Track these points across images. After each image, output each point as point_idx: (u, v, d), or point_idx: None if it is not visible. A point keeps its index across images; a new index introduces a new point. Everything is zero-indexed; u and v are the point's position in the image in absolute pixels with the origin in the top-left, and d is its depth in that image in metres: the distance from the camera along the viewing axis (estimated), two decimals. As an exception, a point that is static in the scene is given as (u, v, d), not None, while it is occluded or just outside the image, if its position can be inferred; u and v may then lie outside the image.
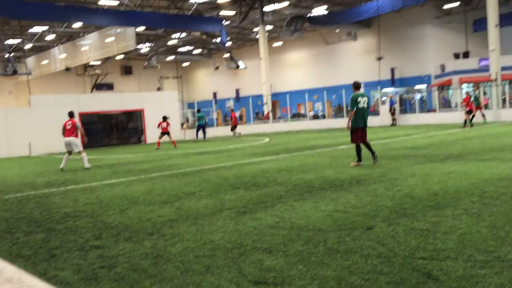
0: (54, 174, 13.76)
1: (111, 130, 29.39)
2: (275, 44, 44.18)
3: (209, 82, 53.22)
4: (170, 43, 42.09)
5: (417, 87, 37.05)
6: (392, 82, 38.30)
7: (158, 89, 52.98)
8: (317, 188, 8.03)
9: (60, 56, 38.09)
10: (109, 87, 49.70)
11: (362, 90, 11.37)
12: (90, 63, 43.56)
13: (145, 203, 7.74)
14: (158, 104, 29.94)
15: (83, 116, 26.64)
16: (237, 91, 49.25)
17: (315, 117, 39.37)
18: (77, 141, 14.48)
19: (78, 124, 14.64)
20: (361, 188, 7.75)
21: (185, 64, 53.99)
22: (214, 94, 51.20)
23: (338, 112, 38.42)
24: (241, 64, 42.31)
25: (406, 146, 14.73)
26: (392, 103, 30.98)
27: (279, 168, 11.37)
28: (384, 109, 32.06)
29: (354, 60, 40.67)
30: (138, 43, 37.44)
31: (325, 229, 5.25)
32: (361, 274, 3.80)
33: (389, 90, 37.17)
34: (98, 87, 48.03)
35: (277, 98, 43.58)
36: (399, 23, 37.34)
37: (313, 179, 9.09)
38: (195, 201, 7.56)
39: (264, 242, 4.92)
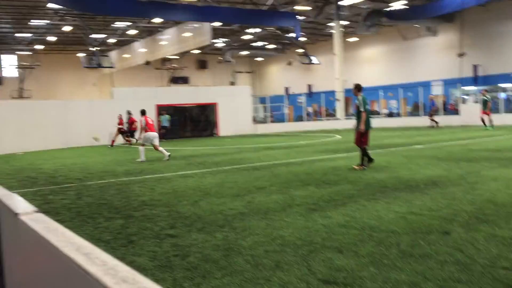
0: (132, 163, 14.45)
1: (185, 123, 30.32)
2: (350, 40, 43.32)
3: (281, 77, 53.31)
4: (244, 38, 42.59)
5: (503, 85, 34.79)
6: (475, 80, 36.25)
7: (231, 83, 53.85)
8: (390, 189, 7.80)
9: (140, 50, 39.83)
10: (185, 80, 51.25)
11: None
12: (168, 57, 45.12)
13: (217, 195, 7.91)
14: (231, 98, 30.47)
15: (160, 108, 27.67)
16: (309, 86, 48.92)
17: (389, 115, 38.20)
18: (157, 136, 15.06)
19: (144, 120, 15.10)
20: (438, 190, 7.43)
21: (259, 59, 54.42)
22: (286, 89, 51.21)
23: (414, 111, 37.02)
24: (314, 59, 41.94)
25: (488, 148, 13.91)
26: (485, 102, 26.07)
27: (350, 166, 11.18)
28: (466, 108, 30.41)
29: (433, 57, 38.95)
30: (213, 38, 38.23)
31: (399, 231, 5.09)
32: (437, 280, 3.64)
33: (471, 88, 35.21)
34: (175, 80, 49.70)
35: (350, 95, 42.80)
36: (485, 18, 35.20)
37: (386, 179, 8.84)
38: (266, 196, 7.62)
39: (334, 240, 4.86)
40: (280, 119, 41.68)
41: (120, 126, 22.68)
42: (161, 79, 50.78)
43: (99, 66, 31.52)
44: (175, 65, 48.12)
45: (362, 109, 10.27)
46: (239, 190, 8.31)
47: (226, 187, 8.72)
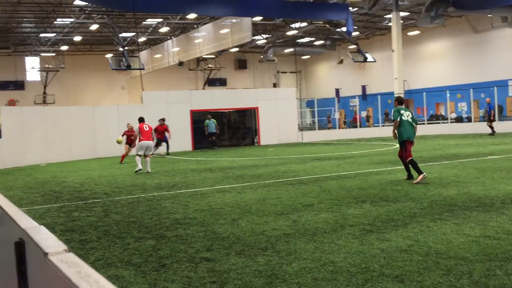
0: (164, 175, 14.71)
1: (222, 130, 30.66)
2: (411, 33, 42.64)
3: (331, 78, 53.05)
4: (289, 33, 42.69)
5: None
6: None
7: (274, 85, 54.03)
8: (460, 207, 7.60)
9: (173, 49, 40.64)
10: (222, 82, 51.85)
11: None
12: (203, 57, 45.82)
13: (259, 213, 7.94)
14: (274, 102, 30.56)
15: (194, 114, 28.09)
16: (364, 88, 48.42)
17: (458, 119, 37.24)
18: (153, 145, 16.51)
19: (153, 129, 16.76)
20: (517, 210, 7.17)
21: (305, 57, 54.37)
22: (337, 91, 50.88)
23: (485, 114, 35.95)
24: (369, 57, 41.47)
25: None
26: None
27: (411, 180, 10.98)
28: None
29: (510, 51, 37.76)
30: (254, 35, 38.55)
31: (470, 258, 4.94)
32: (517, 319, 3.51)
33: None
34: (211, 82, 50.38)
35: (411, 97, 42.03)
36: None
37: (455, 196, 8.62)
38: (314, 214, 7.58)
39: (394, 268, 4.77)
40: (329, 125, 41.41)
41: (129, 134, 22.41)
42: (196, 81, 51.58)
43: (128, 67, 32.34)
44: (211, 66, 48.79)
45: (392, 117, 11.57)
46: (283, 208, 8.31)
47: (268, 204, 8.73)
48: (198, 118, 28.48)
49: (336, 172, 13.51)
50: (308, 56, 54.10)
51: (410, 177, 11.18)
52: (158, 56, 43.51)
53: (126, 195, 10.93)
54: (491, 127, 27.76)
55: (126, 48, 35.20)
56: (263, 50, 47.52)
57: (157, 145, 23.36)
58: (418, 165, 11.05)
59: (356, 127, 38.36)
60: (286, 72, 55.41)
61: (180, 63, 40.56)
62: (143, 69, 33.98)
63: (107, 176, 15.23)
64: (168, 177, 14.29)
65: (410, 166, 11.17)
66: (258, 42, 45.24)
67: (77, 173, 16.85)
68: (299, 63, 54.23)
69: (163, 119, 23.96)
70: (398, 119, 11.40)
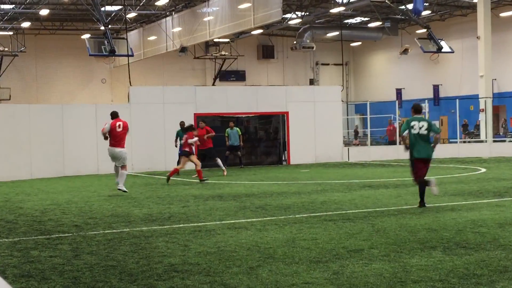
0: (156, 203, 14.76)
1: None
2: (504, 14, 42.38)
3: (390, 73, 52.89)
4: (333, 11, 42.74)
5: None
6: None
7: (311, 81, 54.07)
8: None
9: (173, 30, 40.93)
10: (240, 76, 52.01)
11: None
12: (214, 41, 46.07)
13: (286, 259, 7.91)
14: (310, 105, 30.56)
15: (199, 118, 28.23)
16: (436, 88, 48.15)
17: None
18: (124, 154, 16.65)
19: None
20: None
21: (355, 44, 54.35)
22: (399, 92, 50.69)
23: None
24: (444, 45, 41.24)
25: None
26: None
27: (503, 219, 10.88)
28: None
29: None
30: (285, 12, 38.63)
31: None
32: None
33: None
34: (224, 76, 50.52)
35: (503, 102, 41.68)
36: None
37: (562, 244, 8.51)
38: (363, 264, 7.53)
39: None
40: (387, 138, 41.11)
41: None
42: (204, 74, 51.82)
43: (112, 53, 32.57)
44: (225, 53, 48.97)
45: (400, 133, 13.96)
46: (320, 253, 8.27)
47: (300, 247, 8.70)
48: (206, 125, 28.61)
49: (395, 205, 13.39)
50: (359, 43, 54.06)
51: (421, 202, 12.94)
52: (152, 38, 43.85)
53: (103, 228, 10.97)
54: None
55: (109, 26, 35.50)
56: (297, 33, 47.64)
57: (213, 157, 24.21)
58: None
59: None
60: (328, 64, 55.43)
61: (183, 49, 40.76)
62: (131, 55, 34.25)
63: (78, 202, 15.32)
64: (162, 205, 14.31)
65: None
66: (291, 22, 45.28)
67: (37, 197, 16.98)
68: (347, 52, 54.17)
69: (203, 121, 24.96)
70: (405, 133, 13.23)
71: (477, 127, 38.53)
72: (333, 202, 14.11)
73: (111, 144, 16.56)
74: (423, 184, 12.97)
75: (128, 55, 33.13)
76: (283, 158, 30.70)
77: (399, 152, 33.47)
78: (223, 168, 24.10)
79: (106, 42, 32.31)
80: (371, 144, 36.53)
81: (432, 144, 13.42)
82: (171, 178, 20.62)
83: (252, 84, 47.12)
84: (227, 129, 27.22)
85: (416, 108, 13.62)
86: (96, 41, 33.77)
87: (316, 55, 53.81)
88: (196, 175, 21.20)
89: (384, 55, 53.58)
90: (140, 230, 10.67)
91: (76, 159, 25.43)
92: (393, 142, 36.27)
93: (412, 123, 13.16)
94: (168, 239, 9.71)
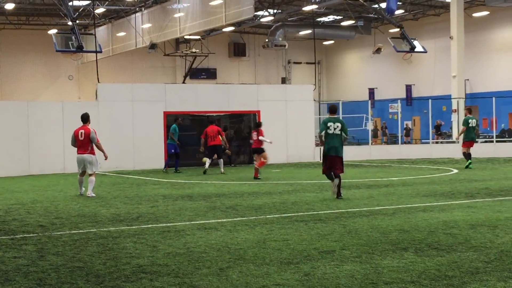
0: (124, 203, 14.69)
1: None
2: (477, 15, 42.88)
3: (363, 73, 53.21)
4: (306, 9, 42.85)
5: None
6: None
7: (283, 80, 54.19)
8: (540, 262, 7.60)
9: (142, 26, 40.77)
10: (211, 74, 51.96)
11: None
12: (185, 38, 45.94)
13: (256, 261, 7.93)
14: (282, 104, 30.62)
15: (169, 117, 28.15)
16: (409, 88, 48.56)
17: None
18: (92, 159, 16.43)
19: (94, 135, 16.41)
20: None
21: (328, 42, 54.59)
22: (371, 92, 51.04)
23: None
24: (417, 45, 41.54)
25: None
26: None
27: (474, 220, 11.00)
28: None
29: None
30: (256, 9, 38.66)
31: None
32: None
33: None
34: (195, 74, 50.41)
35: (475, 103, 42.13)
36: None
37: (533, 245, 8.63)
38: (335, 265, 7.57)
39: None
40: (360, 139, 41.38)
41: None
42: (174, 71, 51.70)
43: (80, 49, 32.31)
44: (196, 51, 48.86)
45: (319, 131, 15.48)
46: (291, 254, 8.29)
47: (271, 248, 8.72)
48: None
49: (367, 206, 13.47)
50: (332, 42, 54.33)
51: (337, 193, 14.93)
52: (121, 34, 43.64)
53: (70, 229, 10.90)
54: None
55: (77, 22, 35.27)
56: (270, 31, 47.71)
57: (219, 155, 24.32)
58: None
59: (395, 143, 38.42)
60: (300, 63, 55.59)
61: (152, 46, 40.60)
62: (100, 52, 33.97)
63: (43, 202, 15.19)
64: (130, 205, 14.26)
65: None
66: (263, 20, 45.34)
67: (1, 196, 16.80)
68: (320, 51, 54.39)
69: (212, 119, 25.38)
70: (322, 133, 15.01)
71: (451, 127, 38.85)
72: (305, 203, 14.15)
73: (78, 151, 16.48)
74: (331, 176, 15.03)
75: (96, 51, 32.85)
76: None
77: (371, 153, 33.76)
78: (222, 170, 24.30)
79: (73, 37, 32.05)
80: (345, 143, 36.59)
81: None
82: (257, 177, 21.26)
83: (223, 82, 47.07)
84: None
85: (332, 109, 15.45)
86: (63, 36, 33.45)
87: (288, 54, 53.95)
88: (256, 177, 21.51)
89: (357, 54, 53.89)
90: (107, 231, 10.62)
91: (42, 158, 25.20)
92: (365, 143, 36.51)
93: (329, 124, 14.95)
94: (136, 239, 9.67)
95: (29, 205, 14.47)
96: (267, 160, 22.32)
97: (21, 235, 10.29)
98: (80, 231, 10.66)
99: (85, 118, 16.64)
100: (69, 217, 12.44)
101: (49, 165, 25.32)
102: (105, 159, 16.77)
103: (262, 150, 22.08)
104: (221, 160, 24.49)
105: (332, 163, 15.01)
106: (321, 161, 15.64)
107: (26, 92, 45.47)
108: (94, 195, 16.19)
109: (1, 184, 20.50)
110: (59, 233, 10.47)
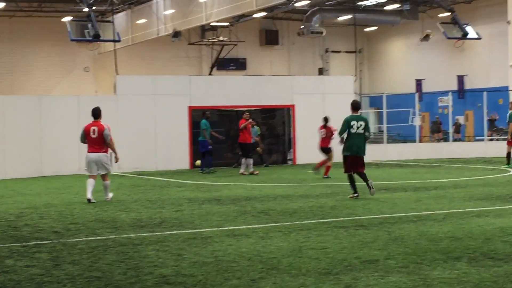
0: (146, 207, 14.77)
1: (237, 139, 30.58)
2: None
3: (410, 62, 52.77)
4: (345, -8, 42.72)
5: None
6: None
7: (321, 71, 54.01)
8: None
9: (165, 12, 40.86)
10: (240, 65, 51.90)
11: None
12: (212, 25, 45.96)
13: (292, 271, 7.92)
14: (319, 97, 30.50)
15: (195, 112, 28.20)
16: (461, 79, 48.09)
17: None
18: (107, 159, 16.07)
19: (108, 132, 15.91)
20: None
21: (370, 29, 54.25)
22: (419, 84, 50.63)
23: None
24: (471, 31, 41.14)
25: None
26: None
27: (535, 227, 10.87)
28: None
29: None
30: (291, -7, 38.59)
31: None
32: None
33: None
34: (223, 64, 50.41)
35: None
36: None
37: None
38: (379, 277, 7.54)
39: None
40: (406, 136, 41.05)
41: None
42: (200, 62, 51.75)
43: (96, 38, 32.51)
44: (224, 39, 48.91)
45: (338, 132, 16.05)
46: (330, 264, 8.27)
47: (307, 257, 8.71)
48: (200, 120, 28.53)
49: (414, 210, 13.38)
50: (375, 28, 53.96)
51: (354, 191, 15.81)
52: (141, 22, 43.77)
53: (87, 235, 10.98)
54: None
55: (93, 8, 35.51)
56: (305, 16, 47.54)
57: (244, 154, 24.57)
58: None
59: (446, 140, 38.03)
60: (339, 52, 55.33)
61: (176, 34, 40.70)
62: (118, 41, 34.19)
63: (58, 205, 15.32)
64: (152, 209, 14.33)
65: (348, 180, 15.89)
66: (297, 5, 45.19)
67: (12, 199, 16.98)
68: (361, 38, 54.11)
69: (243, 114, 25.44)
70: (344, 135, 15.63)
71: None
72: (345, 207, 14.11)
73: (90, 150, 15.95)
74: (353, 178, 15.83)
75: (114, 41, 33.10)
76: (288, 157, 30.66)
77: (418, 151, 33.51)
78: (242, 170, 24.33)
79: (89, 25, 32.25)
80: (387, 142, 36.46)
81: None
82: (328, 176, 21.69)
83: (253, 74, 47.01)
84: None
85: (355, 106, 15.87)
86: (78, 24, 33.65)
87: (326, 42, 53.70)
88: (315, 169, 22.52)
89: (403, 42, 53.46)
90: (127, 237, 10.68)
91: (56, 157, 25.38)
92: (412, 140, 36.26)
93: (352, 123, 15.41)
94: (159, 247, 9.70)
95: (42, 209, 14.59)
96: (331, 163, 22.31)
97: (34, 242, 10.39)
98: (98, 237, 10.74)
99: (97, 113, 16.36)
100: (86, 222, 12.53)
101: (64, 165, 25.48)
102: (116, 161, 16.20)
103: (329, 150, 22.37)
104: (246, 160, 24.51)
105: (354, 163, 15.71)
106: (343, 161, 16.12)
107: (38, 86, 45.80)
108: (111, 198, 16.06)
109: (12, 187, 20.71)
110: (75, 240, 10.56)
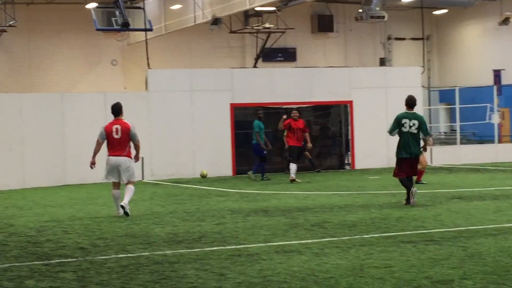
0: (183, 219, 14.86)
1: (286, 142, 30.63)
2: None
3: (486, 50, 52.22)
4: (410, -31, 42.50)
5: None
6: None
7: (382, 61, 53.76)
8: None
9: (203, -4, 41.07)
10: (289, 55, 51.87)
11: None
12: (256, 10, 46.00)
13: (352, 293, 7.90)
14: (381, 91, 30.37)
15: (237, 111, 28.24)
16: (547, 69, 47.53)
17: None
18: (131, 164, 15.64)
19: (135, 131, 15.56)
20: None
21: (439, 12, 53.86)
22: (497, 75, 50.11)
23: None
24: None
25: None
26: None
27: None
28: None
29: None
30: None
31: None
32: None
33: None
34: (269, 55, 50.45)
35: None
36: None
37: None
38: (453, 300, 7.48)
39: None
40: (483, 135, 40.63)
41: None
42: (243, 53, 51.87)
43: (125, 27, 32.77)
44: (270, 26, 48.96)
45: (388, 130, 16.74)
46: (396, 285, 8.24)
47: (369, 277, 8.67)
48: (245, 119, 28.56)
49: (494, 222, 13.25)
50: (445, 11, 53.58)
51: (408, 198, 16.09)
52: (176, 7, 44.00)
53: (116, 252, 11.07)
54: None
55: (121, -7, 35.90)
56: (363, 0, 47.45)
57: (292, 157, 24.37)
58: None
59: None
60: (404, 39, 55.02)
61: (215, 21, 40.88)
62: (150, 29, 34.52)
63: (83, 218, 15.46)
64: (190, 222, 14.41)
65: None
66: (355, -15, 45.21)
67: (32, 211, 17.18)
68: (429, 23, 53.78)
69: (291, 112, 25.01)
70: (394, 134, 16.36)
71: None
72: (412, 219, 14.01)
73: (112, 153, 15.73)
74: (407, 182, 16.27)
75: (145, 30, 33.40)
76: (346, 162, 30.58)
77: (498, 153, 33.14)
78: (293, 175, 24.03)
79: (117, 13, 32.57)
80: (461, 143, 36.14)
81: (421, 147, 16.58)
82: (422, 181, 21.42)
83: (305, 66, 46.96)
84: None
85: (409, 103, 16.30)
86: (104, 12, 33.99)
87: (388, 28, 53.44)
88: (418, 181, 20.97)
89: (478, 27, 52.97)
90: (163, 254, 10.73)
91: (80, 164, 25.38)
92: (490, 141, 35.95)
93: (403, 121, 15.92)
94: (198, 265, 9.73)
95: (66, 223, 14.76)
96: (424, 167, 21.74)
97: (57, 260, 10.49)
98: (129, 254, 10.81)
99: (118, 110, 16.00)
100: (115, 237, 12.64)
101: (90, 173, 25.62)
102: (136, 160, 15.94)
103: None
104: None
105: (407, 166, 16.25)
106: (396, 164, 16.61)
107: (59, 82, 46.30)
108: (127, 208, 15.23)
109: (32, 197, 20.97)
110: (103, 257, 10.64)
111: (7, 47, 46.88)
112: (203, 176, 24.25)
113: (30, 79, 47.07)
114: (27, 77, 47.16)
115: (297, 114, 24.84)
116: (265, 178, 24.95)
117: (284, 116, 25.70)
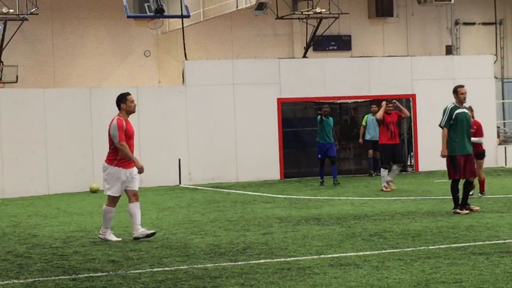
0: (225, 229, 14.91)
1: (339, 140, 30.50)
2: None
3: None
4: None
5: None
6: None
7: (449, 49, 53.46)
8: None
9: (245, -21, 41.15)
10: (343, 44, 51.75)
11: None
12: (305, -6, 46.05)
13: (417, 312, 7.86)
14: (447, 83, 30.16)
15: (285, 106, 28.22)
16: None
17: None
18: (106, 171, 14.36)
19: (113, 131, 14.44)
20: None
21: (513, -6, 53.53)
22: None
23: None
24: None
25: None
26: None
27: None
28: None
29: None
30: None
31: None
32: None
33: None
34: (321, 44, 50.44)
35: None
36: None
37: None
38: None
39: None
40: None
41: None
42: (291, 41, 51.90)
43: (160, 13, 32.93)
44: (321, 10, 48.95)
45: (440, 123, 16.56)
46: (468, 303, 8.18)
47: (437, 294, 8.64)
48: (294, 116, 28.58)
49: None
50: (521, -7, 53.23)
51: (456, 204, 16.13)
52: (216, -8, 44.19)
53: (151, 265, 11.12)
54: None
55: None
56: (427, -21, 47.22)
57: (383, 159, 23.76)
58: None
59: None
60: (474, 24, 54.68)
61: (260, 6, 40.94)
62: (187, 16, 34.65)
63: (114, 228, 15.51)
64: (234, 232, 14.45)
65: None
66: (418, -36, 45.03)
67: (57, 220, 17.32)
68: (502, 5, 53.40)
69: (391, 104, 24.46)
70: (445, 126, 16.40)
71: None
72: (485, 227, 13.93)
73: (125, 160, 14.20)
74: (469, 184, 16.59)
75: (182, 16, 33.51)
76: (409, 163, 30.46)
77: None
78: (390, 178, 22.90)
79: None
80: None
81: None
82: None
83: (361, 55, 46.88)
84: (366, 116, 27.39)
85: (455, 90, 16.84)
86: (135, -1, 34.28)
87: (455, 11, 53.16)
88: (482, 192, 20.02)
89: (559, 9, 52.59)
90: (203, 268, 10.77)
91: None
92: None
93: (457, 112, 16.34)
94: (243, 280, 9.75)
95: (95, 233, 14.84)
96: (481, 173, 19.72)
97: (85, 274, 10.56)
98: (166, 268, 10.85)
99: (117, 103, 15.50)
100: (150, 249, 12.70)
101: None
102: (138, 171, 14.38)
103: (483, 155, 20.06)
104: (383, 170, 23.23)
105: (466, 165, 16.24)
106: (450, 164, 16.42)
107: (86, 76, 46.63)
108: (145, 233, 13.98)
109: (57, 204, 21.15)
110: (136, 271, 10.70)
111: (28, 37, 47.19)
112: (94, 191, 23.76)
113: (53, 72, 47.41)
114: (51, 71, 47.48)
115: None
116: (336, 183, 24.67)
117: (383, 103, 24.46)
